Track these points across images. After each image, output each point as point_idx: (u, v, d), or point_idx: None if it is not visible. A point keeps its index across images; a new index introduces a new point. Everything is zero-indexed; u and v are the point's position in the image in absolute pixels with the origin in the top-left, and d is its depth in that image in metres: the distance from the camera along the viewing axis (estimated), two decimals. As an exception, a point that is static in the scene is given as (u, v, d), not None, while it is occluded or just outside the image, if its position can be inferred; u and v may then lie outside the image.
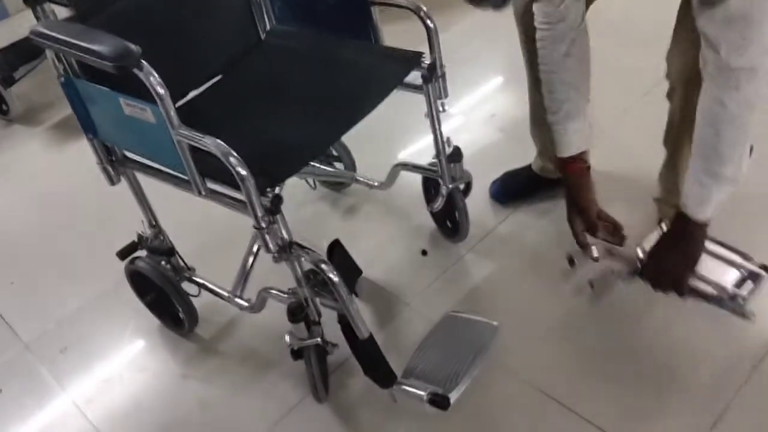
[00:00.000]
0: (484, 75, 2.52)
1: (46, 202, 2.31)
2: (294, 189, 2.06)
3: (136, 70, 1.10)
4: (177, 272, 1.64)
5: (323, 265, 1.26)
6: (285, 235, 1.26)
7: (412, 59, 1.45)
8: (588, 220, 1.48)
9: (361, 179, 1.90)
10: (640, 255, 1.43)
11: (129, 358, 1.76)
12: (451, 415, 1.32)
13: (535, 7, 1.35)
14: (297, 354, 1.39)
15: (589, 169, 1.48)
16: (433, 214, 1.82)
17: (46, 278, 2.04)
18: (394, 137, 2.02)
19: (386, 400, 1.38)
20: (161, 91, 1.12)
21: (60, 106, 2.67)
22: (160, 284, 1.60)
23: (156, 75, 1.12)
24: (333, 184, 2.07)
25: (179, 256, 1.63)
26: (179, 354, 1.73)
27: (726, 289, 1.37)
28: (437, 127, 1.55)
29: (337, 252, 1.63)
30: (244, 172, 1.13)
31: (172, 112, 1.16)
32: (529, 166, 1.89)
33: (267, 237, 1.22)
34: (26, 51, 2.72)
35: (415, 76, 1.46)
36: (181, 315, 1.66)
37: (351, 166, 1.96)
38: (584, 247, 1.49)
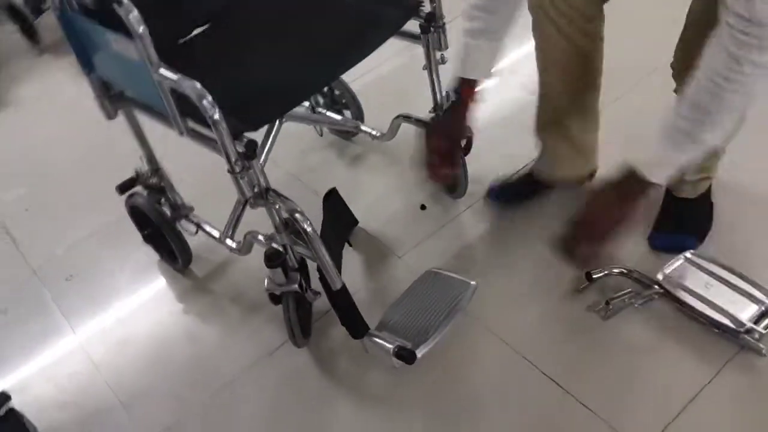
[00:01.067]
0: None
1: (70, 132, 2.36)
2: (301, 135, 2.05)
3: (115, 6, 1.09)
4: (175, 210, 1.66)
5: (297, 215, 1.25)
6: (261, 181, 1.25)
7: (410, 7, 1.41)
8: (449, 141, 1.42)
9: (364, 129, 1.87)
10: (660, 278, 1.44)
11: (128, 291, 1.81)
12: (422, 368, 1.32)
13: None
14: (275, 299, 1.40)
15: (474, 102, 1.39)
16: None
17: (59, 206, 2.11)
18: (408, 89, 1.97)
19: (362, 350, 1.38)
20: (140, 28, 1.12)
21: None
22: (155, 221, 1.64)
23: (136, 12, 1.11)
24: (341, 131, 2.05)
25: (177, 194, 1.65)
26: (174, 289, 1.78)
27: (742, 323, 1.35)
28: (435, 79, 1.52)
29: (332, 201, 1.63)
30: (216, 116, 1.13)
31: (152, 51, 1.15)
32: (529, 174, 1.75)
33: (241, 182, 1.22)
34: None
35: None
36: (175, 252, 1.69)
37: (358, 115, 1.94)
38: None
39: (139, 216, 1.71)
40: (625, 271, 1.50)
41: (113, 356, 1.64)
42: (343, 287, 1.32)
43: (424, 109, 1.62)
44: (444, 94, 1.54)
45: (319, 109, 1.95)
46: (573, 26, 1.39)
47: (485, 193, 1.76)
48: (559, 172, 1.68)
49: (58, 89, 2.61)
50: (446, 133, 1.41)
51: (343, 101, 1.95)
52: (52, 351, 1.70)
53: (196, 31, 1.52)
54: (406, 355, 1.27)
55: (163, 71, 1.16)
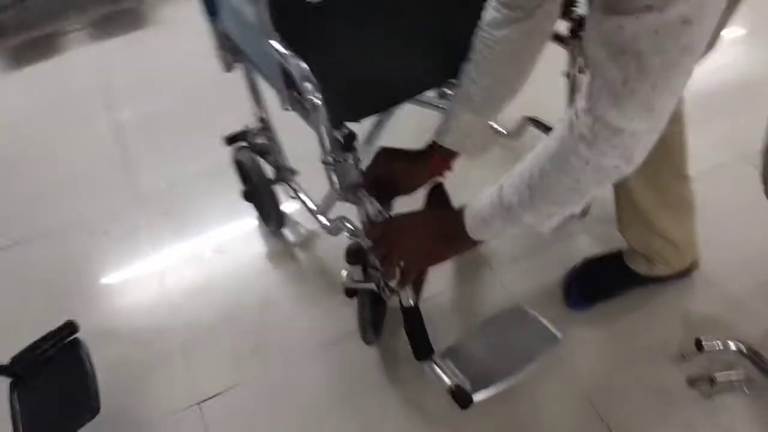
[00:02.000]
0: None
1: (205, 59, 2.34)
2: (423, 117, 1.93)
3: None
4: (278, 172, 1.61)
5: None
6: (353, 177, 1.16)
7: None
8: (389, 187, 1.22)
9: (490, 123, 1.73)
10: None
11: (217, 239, 1.80)
12: (489, 400, 1.22)
13: None
14: (350, 293, 1.33)
15: (442, 176, 1.24)
16: None
17: (177, 137, 2.14)
18: (541, 92, 1.81)
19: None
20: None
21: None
22: (254, 179, 1.60)
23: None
24: None
25: (283, 157, 1.59)
26: (262, 249, 1.75)
27: None
28: (574, 86, 1.38)
29: (435, 196, 1.51)
30: (317, 101, 1.03)
31: (266, 18, 1.06)
32: (617, 260, 1.47)
33: (332, 173, 1.13)
34: None
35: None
36: (270, 214, 1.66)
37: None
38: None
39: (241, 170, 1.68)
40: (743, 349, 1.29)
41: (188, 300, 1.65)
42: (415, 306, 1.22)
43: (555, 115, 1.45)
44: None
45: (448, 91, 1.81)
46: None
47: (563, 290, 1.49)
48: (655, 270, 1.43)
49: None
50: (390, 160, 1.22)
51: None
52: (134, 281, 1.74)
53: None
54: (460, 398, 1.15)
55: (273, 43, 1.07)
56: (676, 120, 1.23)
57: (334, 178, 1.13)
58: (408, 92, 1.27)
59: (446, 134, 1.16)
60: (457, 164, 1.59)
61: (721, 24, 1.11)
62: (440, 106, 1.74)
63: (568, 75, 1.38)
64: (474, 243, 0.99)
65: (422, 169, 1.21)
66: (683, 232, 1.39)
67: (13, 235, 1.89)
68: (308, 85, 1.02)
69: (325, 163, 1.10)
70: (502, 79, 1.11)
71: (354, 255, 1.23)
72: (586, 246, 1.58)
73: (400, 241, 1.06)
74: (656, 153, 1.17)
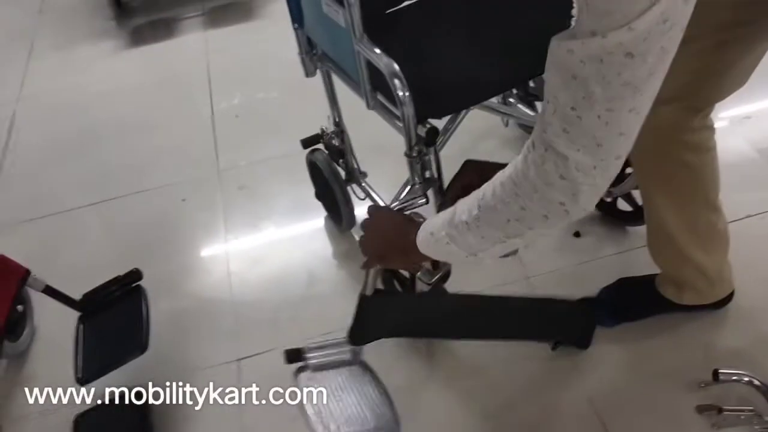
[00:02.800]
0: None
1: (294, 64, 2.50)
2: (486, 120, 1.99)
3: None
4: (349, 173, 1.71)
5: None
6: (434, 170, 1.24)
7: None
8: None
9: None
10: None
11: (288, 227, 1.93)
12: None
13: None
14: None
15: None
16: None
17: (260, 124, 2.30)
18: None
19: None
20: (352, -2, 1.13)
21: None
22: (329, 180, 1.69)
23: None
24: (527, 125, 1.96)
25: (355, 159, 1.69)
26: (328, 246, 1.84)
27: None
28: None
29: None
30: (405, 97, 1.13)
31: (358, 21, 1.17)
32: (650, 282, 1.49)
33: (415, 167, 1.22)
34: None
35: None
36: (341, 213, 1.75)
37: None
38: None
39: (315, 172, 1.78)
40: (758, 382, 1.30)
41: (246, 268, 1.80)
42: (365, 296, 1.22)
43: None
44: None
45: (511, 99, 1.88)
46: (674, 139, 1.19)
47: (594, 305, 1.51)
48: (684, 298, 1.45)
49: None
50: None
51: (536, 93, 1.85)
52: (201, 245, 1.90)
53: (405, 3, 1.51)
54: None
55: (365, 43, 1.17)
56: (705, 150, 1.25)
57: (417, 170, 1.22)
58: (486, 93, 1.35)
59: None
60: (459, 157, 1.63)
61: (748, 64, 1.13)
62: (501, 110, 1.80)
63: None
64: (424, 257, 0.98)
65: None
66: (714, 262, 1.39)
67: (110, 191, 2.10)
68: (397, 82, 1.12)
69: (408, 156, 1.19)
70: None
71: None
72: (619, 270, 1.61)
73: (368, 233, 1.10)
74: (685, 181, 1.24)
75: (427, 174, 1.25)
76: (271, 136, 2.19)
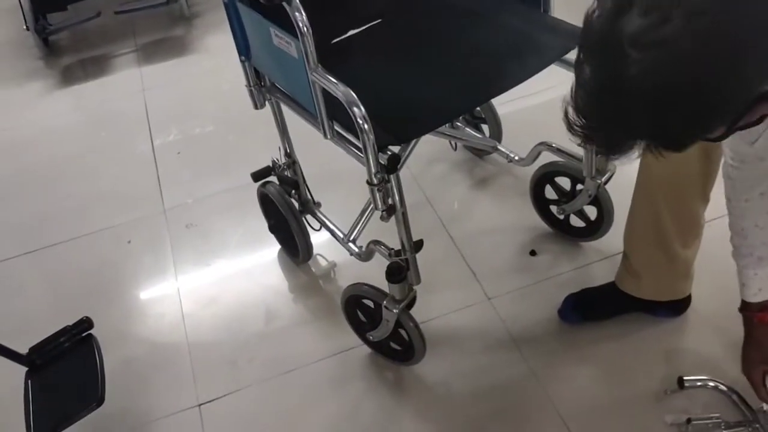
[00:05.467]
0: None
1: (240, 88, 2.46)
2: (434, 144, 2.01)
3: (284, 3, 1.11)
4: (303, 204, 1.68)
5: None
6: (397, 197, 1.23)
7: (576, 36, 1.32)
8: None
9: (502, 150, 1.81)
10: (763, 409, 1.28)
11: (241, 262, 1.87)
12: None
13: (724, 145, 1.12)
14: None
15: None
16: (545, 210, 1.74)
17: (205, 158, 2.24)
18: (556, 121, 1.87)
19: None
20: (304, 28, 1.12)
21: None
22: (283, 213, 1.65)
23: (302, 12, 1.11)
24: (475, 148, 1.99)
25: (308, 189, 1.66)
26: (283, 280, 1.80)
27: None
28: None
29: None
30: (365, 126, 1.12)
31: (311, 51, 1.15)
32: (611, 284, 1.54)
33: (377, 194, 1.20)
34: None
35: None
36: (297, 246, 1.71)
37: (497, 134, 1.88)
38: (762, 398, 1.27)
39: (267, 205, 1.74)
40: (723, 387, 1.34)
41: (200, 309, 1.74)
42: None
43: (569, 144, 1.51)
44: None
45: (458, 123, 1.90)
46: None
47: (558, 309, 1.56)
48: (644, 292, 1.48)
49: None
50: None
51: (482, 116, 1.89)
52: (150, 287, 1.83)
53: (350, 32, 1.52)
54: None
55: (320, 73, 1.16)
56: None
57: (379, 198, 1.20)
58: (445, 117, 1.36)
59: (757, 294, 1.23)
60: (467, 190, 1.65)
61: None
62: (449, 134, 1.84)
63: None
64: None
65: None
66: (687, 256, 1.42)
67: (48, 237, 2.00)
68: (357, 111, 1.10)
69: (370, 184, 1.17)
70: None
71: (396, 274, 1.30)
72: (577, 285, 1.63)
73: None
74: (693, 171, 1.27)
75: (390, 201, 1.23)
76: (215, 170, 2.14)
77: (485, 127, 1.92)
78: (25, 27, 2.77)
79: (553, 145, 1.62)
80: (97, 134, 2.42)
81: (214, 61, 2.70)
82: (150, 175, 2.16)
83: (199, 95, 2.51)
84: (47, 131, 2.49)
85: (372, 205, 1.42)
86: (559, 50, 1.32)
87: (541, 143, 1.64)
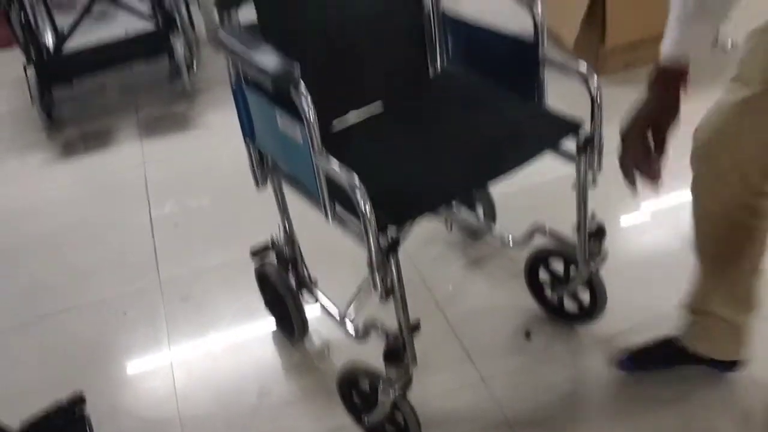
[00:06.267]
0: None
1: (240, 163, 2.49)
2: (429, 225, 2.04)
3: (291, 90, 1.16)
4: (299, 281, 1.69)
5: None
6: (395, 279, 1.25)
7: (569, 126, 1.39)
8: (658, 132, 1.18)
9: (496, 233, 1.85)
10: None
11: (235, 337, 1.87)
12: None
13: None
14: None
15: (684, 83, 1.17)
16: (539, 292, 1.76)
17: (203, 230, 2.27)
18: (550, 204, 1.91)
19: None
20: (310, 115, 1.17)
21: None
22: (280, 291, 1.67)
23: (309, 99, 1.16)
24: (469, 229, 2.03)
25: (305, 266, 1.68)
26: (278, 357, 1.80)
27: None
28: (583, 200, 1.48)
29: None
30: (366, 209, 1.15)
31: (316, 137, 1.20)
32: (670, 340, 1.55)
33: (376, 276, 1.23)
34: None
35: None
36: (293, 323, 1.72)
37: (491, 216, 1.93)
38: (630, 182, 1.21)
39: (265, 282, 1.76)
40: None
41: (193, 383, 1.73)
42: None
43: (563, 228, 1.56)
44: (590, 215, 1.50)
45: (452, 203, 1.95)
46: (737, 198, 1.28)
47: (614, 361, 1.59)
48: (709, 352, 1.51)
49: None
50: (654, 122, 1.18)
51: (477, 198, 1.93)
52: (144, 361, 1.82)
53: (350, 113, 1.58)
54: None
55: (324, 158, 1.21)
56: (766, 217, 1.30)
57: (378, 280, 1.23)
58: (444, 198, 1.40)
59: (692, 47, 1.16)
60: (461, 271, 1.64)
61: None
62: (444, 215, 1.89)
63: (577, 187, 1.48)
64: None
65: (670, 96, 1.18)
66: (742, 321, 1.45)
67: (43, 308, 2.00)
68: (359, 194, 1.15)
69: (369, 265, 1.20)
70: None
71: (394, 356, 1.31)
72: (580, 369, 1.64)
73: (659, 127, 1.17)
74: (741, 244, 1.31)
75: (389, 282, 1.26)
76: (212, 244, 2.16)
77: (479, 209, 1.97)
78: (30, 99, 2.82)
79: (547, 228, 1.66)
80: (95, 206, 2.45)
81: (214, 136, 2.77)
82: (147, 247, 2.18)
83: (199, 169, 2.56)
84: (46, 202, 2.52)
85: (368, 284, 1.46)
86: (553, 139, 1.38)
87: (535, 226, 1.68)
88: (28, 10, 2.78)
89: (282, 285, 1.65)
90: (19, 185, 2.66)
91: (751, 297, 1.41)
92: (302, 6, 1.47)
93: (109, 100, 3.03)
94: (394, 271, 1.24)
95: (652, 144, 1.17)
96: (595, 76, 1.34)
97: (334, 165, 1.19)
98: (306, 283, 1.68)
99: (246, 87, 1.39)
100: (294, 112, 1.20)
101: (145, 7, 3.09)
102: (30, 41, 2.80)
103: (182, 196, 2.42)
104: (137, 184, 2.50)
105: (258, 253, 1.69)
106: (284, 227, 1.64)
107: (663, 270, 1.82)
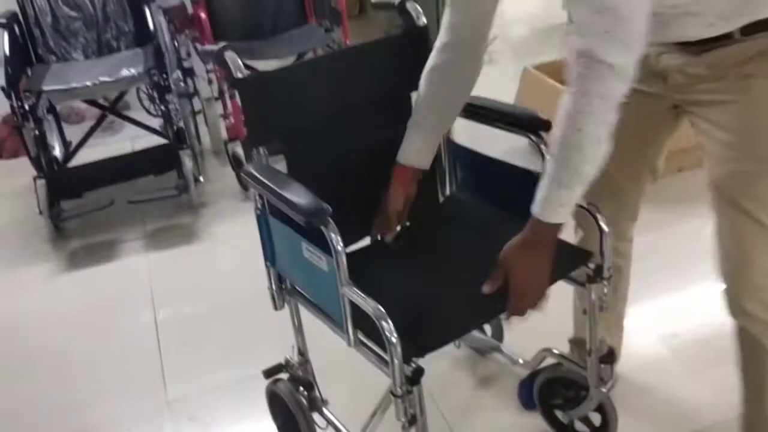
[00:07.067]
0: (679, 286, 2.30)
1: (247, 278, 2.49)
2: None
3: (322, 227, 1.22)
4: (311, 402, 1.70)
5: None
6: (418, 409, 1.27)
7: (579, 257, 1.46)
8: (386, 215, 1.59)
9: (505, 352, 1.88)
10: None
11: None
12: None
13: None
14: None
15: (413, 180, 1.58)
16: (549, 413, 1.78)
17: (212, 347, 2.26)
18: (560, 324, 1.94)
19: None
20: (339, 248, 1.23)
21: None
22: (293, 411, 1.68)
23: (338, 235, 1.23)
24: (477, 347, 2.06)
25: (318, 388, 1.70)
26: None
27: None
28: (593, 325, 1.53)
29: None
30: (393, 339, 1.19)
31: (343, 269, 1.25)
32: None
33: (400, 405, 1.25)
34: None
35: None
36: None
37: (498, 335, 1.96)
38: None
39: (275, 403, 1.76)
40: None
41: None
42: None
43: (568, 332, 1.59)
44: (600, 339, 1.54)
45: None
46: None
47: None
48: None
49: (251, 235, 2.84)
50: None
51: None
52: None
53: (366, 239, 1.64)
54: None
55: (350, 288, 1.25)
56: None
57: (400, 409, 1.25)
58: (465, 329, 1.47)
59: (411, 159, 1.58)
60: (469, 391, 1.84)
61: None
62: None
63: (584, 311, 1.53)
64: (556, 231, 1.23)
65: (402, 194, 1.58)
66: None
67: (44, 430, 1.98)
68: (385, 325, 1.18)
69: (393, 394, 1.23)
70: (449, 103, 1.53)
71: None
72: None
73: (532, 286, 1.30)
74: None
75: (412, 411, 1.28)
76: (220, 362, 2.16)
77: (487, 327, 2.01)
78: (38, 211, 2.87)
79: (557, 351, 1.69)
80: (101, 321, 2.45)
81: (220, 249, 2.82)
82: (154, 364, 2.18)
83: (206, 284, 2.58)
84: (51, 315, 2.52)
85: (383, 408, 1.48)
86: (564, 270, 1.45)
87: (545, 349, 1.72)
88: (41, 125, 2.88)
89: (294, 406, 1.66)
90: (24, 296, 2.67)
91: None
92: (325, 146, 1.58)
93: (115, 212, 3.09)
94: (418, 400, 1.26)
95: None
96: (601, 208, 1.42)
97: (361, 296, 1.23)
98: (317, 404, 1.69)
99: (270, 216, 1.45)
100: (320, 242, 1.25)
101: (153, 121, 3.21)
102: (41, 154, 2.89)
103: (189, 310, 2.44)
104: (143, 298, 2.52)
105: (270, 374, 1.70)
106: (298, 348, 1.66)
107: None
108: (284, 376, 1.71)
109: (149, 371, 2.15)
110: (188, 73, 3.23)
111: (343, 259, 1.24)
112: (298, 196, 1.26)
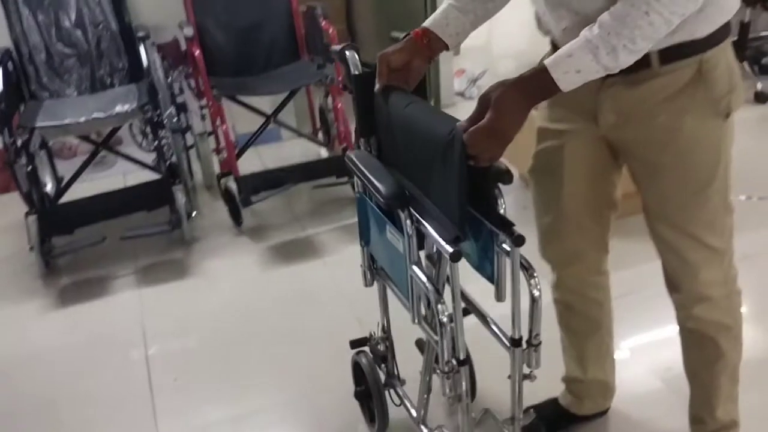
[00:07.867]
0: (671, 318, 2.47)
1: (241, 312, 2.81)
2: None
3: (399, 212, 1.48)
4: (389, 377, 2.12)
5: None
6: (464, 387, 1.55)
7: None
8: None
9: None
10: None
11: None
12: None
13: None
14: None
15: (428, 46, 1.54)
16: None
17: (205, 385, 2.54)
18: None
19: None
20: (410, 232, 1.52)
21: (285, 231, 3.05)
22: (369, 382, 2.14)
23: (412, 219, 1.53)
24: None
25: (396, 365, 2.07)
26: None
27: None
28: (516, 392, 1.58)
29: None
30: (445, 320, 1.41)
31: (414, 251, 1.41)
32: (555, 400, 2.14)
33: (446, 381, 1.47)
34: (272, 180, 3.14)
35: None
36: (375, 416, 2.15)
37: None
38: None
39: (357, 372, 2.23)
40: None
41: None
42: None
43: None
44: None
45: None
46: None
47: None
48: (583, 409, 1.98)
49: (243, 270, 2.96)
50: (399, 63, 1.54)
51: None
52: None
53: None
54: None
55: (416, 270, 1.38)
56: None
57: (447, 386, 1.51)
58: None
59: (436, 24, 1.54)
60: None
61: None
62: None
63: (512, 378, 1.56)
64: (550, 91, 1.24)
65: (420, 60, 1.53)
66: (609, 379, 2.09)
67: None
68: (440, 307, 1.45)
69: (442, 372, 1.50)
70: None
71: None
72: None
73: (505, 129, 1.22)
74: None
75: (458, 389, 1.38)
76: (213, 398, 2.56)
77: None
78: (29, 247, 2.91)
79: (496, 417, 1.83)
80: (91, 358, 2.83)
81: (212, 284, 3.05)
82: (145, 404, 2.54)
83: (198, 319, 3.08)
84: (41, 352, 2.84)
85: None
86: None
87: (486, 411, 1.78)
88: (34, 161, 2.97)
89: (371, 378, 2.11)
90: (14, 333, 3.08)
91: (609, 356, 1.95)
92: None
93: (106, 248, 3.13)
94: (464, 379, 1.53)
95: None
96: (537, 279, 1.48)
97: (422, 279, 1.47)
98: (393, 381, 2.12)
99: (367, 199, 1.78)
100: (398, 225, 1.55)
101: (146, 156, 3.23)
102: (32, 190, 2.88)
103: (180, 346, 2.89)
104: (134, 335, 3.02)
105: (356, 344, 2.09)
106: (382, 325, 2.06)
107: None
108: (368, 350, 2.13)
109: (140, 409, 2.51)
110: (181, 108, 3.34)
111: (414, 241, 1.38)
112: (382, 181, 1.58)
